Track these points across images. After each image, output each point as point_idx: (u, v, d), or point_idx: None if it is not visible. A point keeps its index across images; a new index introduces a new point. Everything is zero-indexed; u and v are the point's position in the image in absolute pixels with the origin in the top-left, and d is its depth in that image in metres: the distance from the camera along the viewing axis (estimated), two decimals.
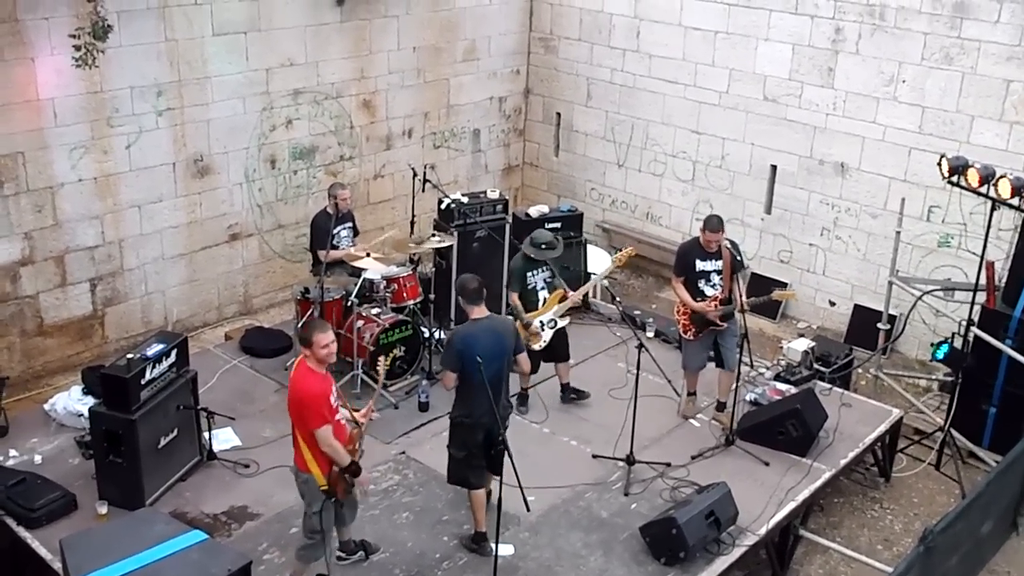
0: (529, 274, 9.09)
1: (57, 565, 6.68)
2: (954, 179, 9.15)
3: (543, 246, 9.06)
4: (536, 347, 9.03)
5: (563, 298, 9.14)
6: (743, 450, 8.78)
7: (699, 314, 8.89)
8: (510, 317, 8.93)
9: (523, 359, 7.66)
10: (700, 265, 8.90)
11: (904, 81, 10.85)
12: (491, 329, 7.31)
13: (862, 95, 11.18)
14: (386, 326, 9.36)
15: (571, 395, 9.53)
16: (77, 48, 9.49)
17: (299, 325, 6.32)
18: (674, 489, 8.26)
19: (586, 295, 10.14)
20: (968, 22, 10.30)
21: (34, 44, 9.26)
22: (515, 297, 9.04)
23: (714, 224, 8.77)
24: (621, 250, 9.45)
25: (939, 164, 9.25)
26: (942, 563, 7.18)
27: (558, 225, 11.20)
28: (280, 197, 11.66)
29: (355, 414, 6.91)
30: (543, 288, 9.16)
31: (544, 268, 9.16)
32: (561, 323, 9.17)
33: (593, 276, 9.33)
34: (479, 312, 7.35)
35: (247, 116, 11.06)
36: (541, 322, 9.05)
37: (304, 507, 6.72)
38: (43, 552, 7.18)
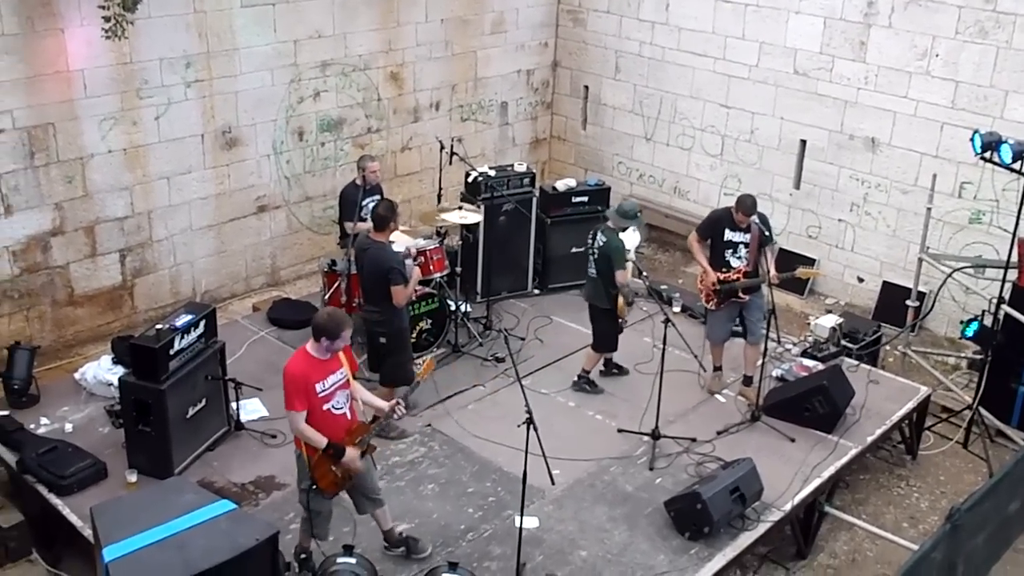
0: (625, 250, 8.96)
1: (87, 532, 6.78)
2: (987, 155, 9.04)
3: (638, 214, 9.06)
4: (625, 322, 9.18)
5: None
6: (769, 426, 8.76)
7: (722, 283, 8.87)
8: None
9: (396, 291, 8.20)
10: (729, 235, 8.86)
11: (937, 55, 10.71)
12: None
13: (894, 69, 11.04)
14: (412, 299, 9.37)
15: (612, 370, 9.59)
16: (106, 19, 9.51)
17: (322, 315, 6.30)
18: (699, 464, 8.26)
19: None
20: None
21: (64, 15, 9.28)
22: (625, 275, 8.78)
23: (748, 206, 8.70)
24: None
25: (972, 139, 9.15)
26: (968, 542, 7.15)
27: (585, 199, 11.17)
28: (308, 169, 11.68)
29: (379, 403, 6.91)
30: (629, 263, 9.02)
31: None
32: None
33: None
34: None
35: (275, 88, 11.06)
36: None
37: (296, 481, 6.77)
38: (74, 519, 7.28)
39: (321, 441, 6.43)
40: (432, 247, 9.70)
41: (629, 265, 8.95)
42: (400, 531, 7.20)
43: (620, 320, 9.09)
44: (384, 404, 6.87)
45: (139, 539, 5.55)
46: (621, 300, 8.89)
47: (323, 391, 6.44)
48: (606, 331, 9.18)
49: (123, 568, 5.38)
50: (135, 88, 9.93)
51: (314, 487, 6.56)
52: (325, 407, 6.48)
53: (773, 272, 8.75)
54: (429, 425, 8.72)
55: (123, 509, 6.02)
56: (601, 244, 8.90)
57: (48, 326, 9.95)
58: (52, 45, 9.28)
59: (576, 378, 9.37)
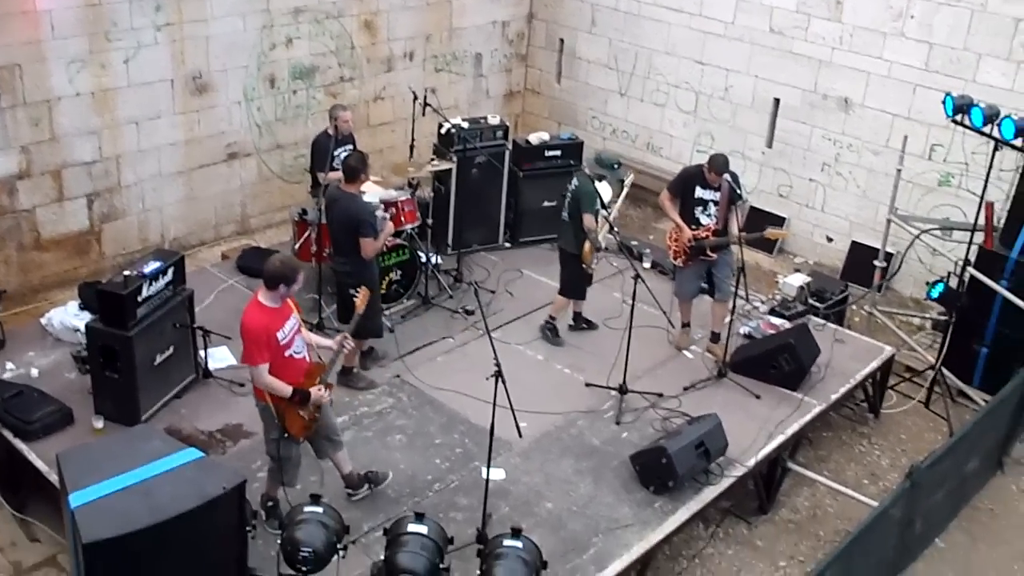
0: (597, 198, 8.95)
1: (53, 477, 6.75)
2: (958, 118, 9.09)
3: (616, 166, 9.07)
4: (593, 268, 9.14)
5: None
6: (735, 383, 8.84)
7: (696, 240, 8.90)
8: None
9: (365, 243, 8.09)
10: (699, 192, 8.89)
11: (912, 16, 10.71)
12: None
13: (869, 30, 11.04)
14: (383, 250, 9.34)
15: (582, 324, 9.60)
16: None
17: (275, 262, 6.34)
18: (665, 419, 8.33)
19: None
20: None
21: None
22: (592, 219, 8.82)
23: (720, 164, 8.72)
24: (625, 179, 9.35)
25: (944, 102, 9.18)
26: (927, 499, 7.30)
27: (558, 153, 11.14)
28: (279, 117, 11.56)
29: (324, 342, 6.95)
30: (598, 210, 9.02)
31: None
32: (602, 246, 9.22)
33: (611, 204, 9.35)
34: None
35: (247, 34, 10.92)
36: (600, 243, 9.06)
37: (264, 432, 6.81)
38: (39, 464, 7.26)
39: (287, 390, 6.45)
40: (404, 198, 9.66)
41: (600, 219, 8.99)
42: (358, 472, 7.26)
43: (584, 266, 9.07)
44: (329, 342, 6.93)
45: (106, 486, 5.54)
46: (588, 246, 8.90)
47: (284, 339, 6.47)
48: (572, 277, 9.23)
49: (89, 514, 5.38)
50: (104, 30, 9.77)
51: (285, 435, 6.59)
52: (287, 353, 6.52)
53: (736, 232, 8.78)
54: (398, 376, 8.73)
55: (90, 456, 6.00)
56: (573, 188, 8.95)
57: (14, 271, 9.86)
58: None
59: (544, 322, 9.45)
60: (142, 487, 5.60)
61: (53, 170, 9.87)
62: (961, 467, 7.95)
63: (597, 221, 8.92)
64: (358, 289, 7.07)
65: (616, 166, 9.10)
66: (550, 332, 9.41)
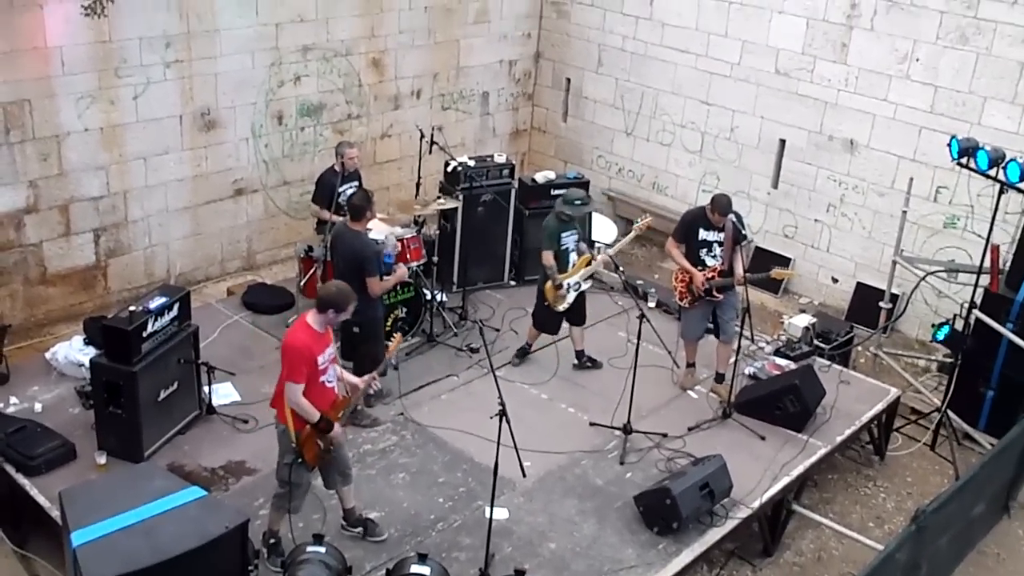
0: (563, 234, 9.12)
1: (55, 513, 6.73)
2: (963, 161, 9.11)
3: (577, 202, 9.15)
4: (560, 308, 9.16)
5: (589, 262, 9.16)
6: (740, 423, 8.81)
7: (709, 281, 8.89)
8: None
9: (371, 282, 8.23)
10: (703, 234, 8.89)
11: (918, 59, 10.77)
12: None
13: (875, 72, 11.10)
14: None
15: (586, 363, 9.60)
16: None
17: (331, 287, 6.54)
18: (670, 460, 8.29)
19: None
20: (985, 2, 10.19)
21: None
22: (549, 256, 9.03)
23: (723, 206, 8.72)
24: (639, 220, 9.36)
25: (949, 145, 9.21)
26: (933, 542, 7.24)
27: (564, 192, 11.13)
28: (286, 154, 11.62)
29: (353, 379, 6.97)
30: (573, 250, 9.19)
31: (574, 230, 9.19)
32: (584, 286, 9.25)
33: (616, 242, 9.39)
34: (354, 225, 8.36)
35: (255, 71, 11.00)
36: (568, 284, 9.07)
37: (278, 456, 6.81)
38: (41, 500, 7.23)
39: (315, 415, 6.50)
40: (410, 236, 9.68)
41: (601, 257, 9.14)
42: (361, 512, 7.24)
43: (545, 303, 9.19)
44: (358, 380, 6.97)
45: (108, 524, 5.53)
46: (548, 284, 9.06)
47: (322, 363, 6.55)
48: (539, 310, 9.42)
49: (91, 553, 5.37)
50: (113, 67, 9.85)
51: (299, 460, 6.60)
52: (320, 380, 6.57)
53: (740, 273, 8.79)
54: (402, 414, 8.70)
55: (92, 494, 6.00)
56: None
57: (20, 304, 9.87)
58: (30, 21, 9.19)
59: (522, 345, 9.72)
60: (144, 526, 5.60)
61: (61, 205, 9.91)
62: (967, 511, 7.89)
63: (567, 258, 9.12)
64: (393, 335, 7.20)
65: (577, 202, 9.17)
66: (516, 353, 9.63)
